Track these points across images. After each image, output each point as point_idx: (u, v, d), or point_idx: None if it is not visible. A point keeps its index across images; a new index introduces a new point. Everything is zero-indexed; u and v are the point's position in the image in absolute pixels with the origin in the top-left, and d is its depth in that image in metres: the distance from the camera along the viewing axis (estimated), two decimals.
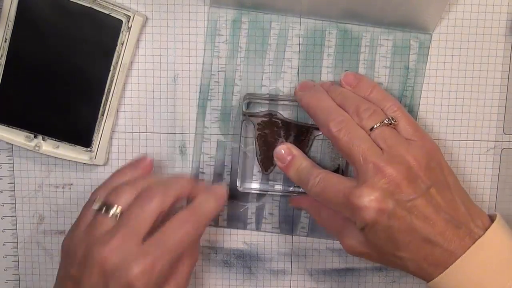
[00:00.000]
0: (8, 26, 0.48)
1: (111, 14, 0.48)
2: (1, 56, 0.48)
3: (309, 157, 0.50)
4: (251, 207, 0.53)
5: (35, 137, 0.50)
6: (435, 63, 0.51)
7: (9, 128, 0.50)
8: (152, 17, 0.50)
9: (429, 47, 0.50)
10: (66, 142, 0.50)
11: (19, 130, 0.50)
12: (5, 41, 0.48)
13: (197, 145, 0.52)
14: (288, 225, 0.53)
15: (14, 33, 0.48)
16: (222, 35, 0.50)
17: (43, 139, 0.50)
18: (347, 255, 0.53)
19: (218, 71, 0.51)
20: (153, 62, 0.51)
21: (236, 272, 0.54)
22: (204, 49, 0.50)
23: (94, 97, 0.49)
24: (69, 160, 0.51)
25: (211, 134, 0.52)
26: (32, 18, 0.48)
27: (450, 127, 0.52)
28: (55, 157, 0.51)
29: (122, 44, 0.48)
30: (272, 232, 0.53)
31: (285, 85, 0.51)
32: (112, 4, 0.48)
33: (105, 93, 0.49)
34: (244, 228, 0.53)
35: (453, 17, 0.50)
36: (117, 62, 0.49)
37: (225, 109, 0.51)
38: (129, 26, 0.48)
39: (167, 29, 0.50)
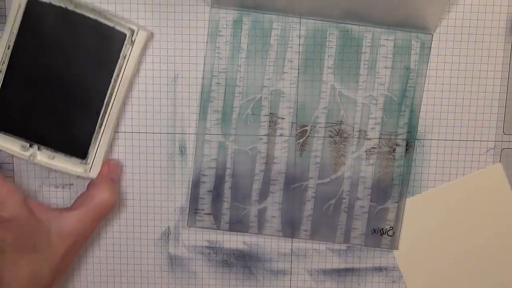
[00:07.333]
0: (13, 33, 0.47)
1: (116, 27, 0.47)
2: (3, 62, 0.48)
3: (309, 157, 0.50)
4: (252, 210, 0.53)
5: (30, 146, 0.49)
6: (434, 63, 0.51)
7: (5, 136, 0.49)
8: (152, 17, 0.50)
9: (430, 47, 0.50)
10: (62, 153, 0.49)
11: (16, 138, 0.49)
12: (8, 48, 0.48)
13: (199, 147, 0.52)
14: (290, 228, 0.53)
15: (17, 40, 0.47)
16: (223, 35, 0.50)
17: (39, 149, 0.49)
18: (347, 255, 0.53)
19: (219, 72, 0.51)
20: (153, 62, 0.51)
21: (236, 272, 0.54)
22: (205, 50, 0.50)
23: (93, 109, 0.49)
24: None
25: (211, 134, 0.52)
26: (37, 27, 0.47)
27: (450, 127, 0.52)
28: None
29: (125, 57, 0.48)
30: (274, 236, 0.53)
31: (286, 85, 0.51)
32: (118, 17, 0.47)
33: (104, 105, 0.49)
34: (246, 231, 0.53)
35: (453, 17, 0.50)
36: (118, 75, 0.48)
37: (227, 110, 0.51)
38: (133, 40, 0.47)
39: (167, 29, 0.50)
